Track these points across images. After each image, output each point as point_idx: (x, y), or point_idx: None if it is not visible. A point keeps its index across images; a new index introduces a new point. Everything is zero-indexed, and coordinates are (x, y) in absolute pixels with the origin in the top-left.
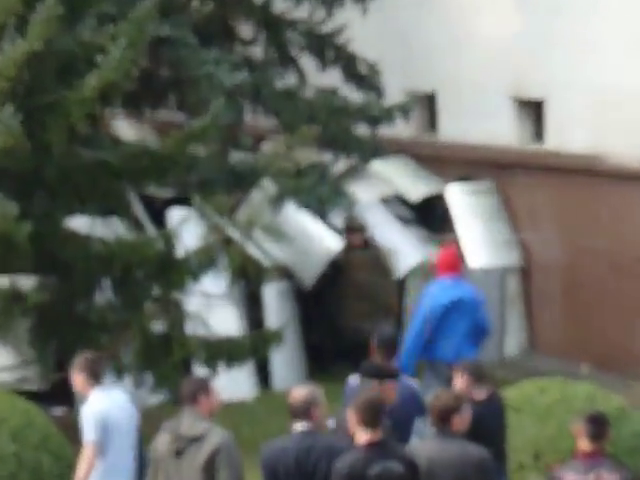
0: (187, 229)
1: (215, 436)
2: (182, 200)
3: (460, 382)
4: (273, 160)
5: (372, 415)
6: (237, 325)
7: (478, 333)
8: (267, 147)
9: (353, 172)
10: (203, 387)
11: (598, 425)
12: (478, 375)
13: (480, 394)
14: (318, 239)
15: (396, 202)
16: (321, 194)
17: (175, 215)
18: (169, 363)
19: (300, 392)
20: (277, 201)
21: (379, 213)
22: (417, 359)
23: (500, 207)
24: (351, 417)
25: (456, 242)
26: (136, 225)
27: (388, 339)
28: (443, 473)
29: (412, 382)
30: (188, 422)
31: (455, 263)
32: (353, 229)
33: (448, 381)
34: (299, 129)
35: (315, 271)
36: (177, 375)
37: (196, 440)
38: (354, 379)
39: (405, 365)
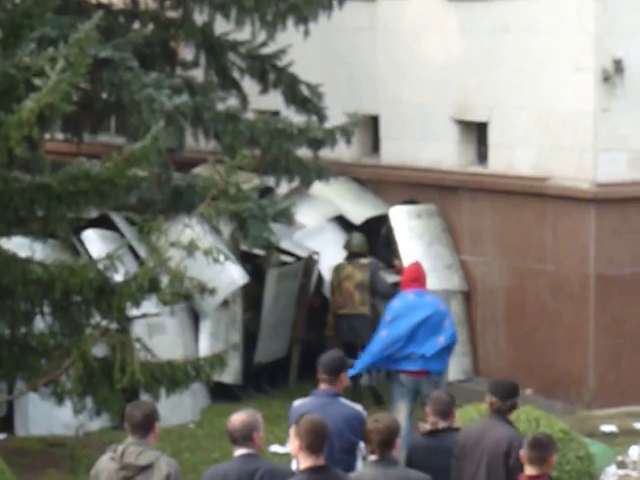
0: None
1: (164, 465)
2: (99, 220)
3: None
4: (212, 182)
5: (315, 440)
6: (182, 349)
7: (444, 348)
8: (205, 170)
9: (295, 194)
10: (156, 414)
11: (541, 449)
12: (444, 411)
13: (425, 427)
14: (226, 269)
15: (338, 224)
16: (262, 214)
17: (91, 236)
18: (110, 388)
19: (240, 417)
20: (215, 223)
21: (325, 235)
22: (370, 367)
23: (443, 230)
24: (293, 442)
25: (400, 265)
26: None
27: (331, 365)
28: None
29: (357, 406)
30: (136, 450)
31: (415, 277)
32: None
33: (414, 393)
34: (240, 152)
35: (215, 302)
36: (118, 400)
37: (145, 469)
38: (299, 402)
39: (358, 370)
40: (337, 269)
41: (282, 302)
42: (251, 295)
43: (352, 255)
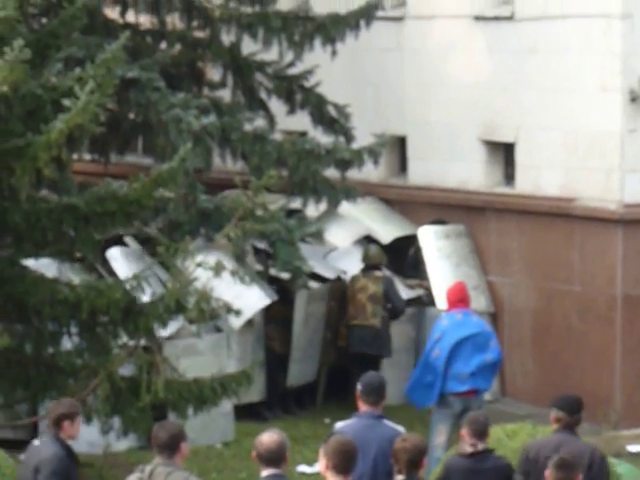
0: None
1: None
2: (118, 239)
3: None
4: (239, 203)
5: (343, 461)
6: (216, 369)
7: (490, 365)
8: (233, 192)
9: (325, 216)
10: (182, 434)
11: (567, 470)
12: (481, 432)
13: (467, 448)
14: (251, 289)
15: (367, 244)
16: (290, 237)
17: (115, 255)
18: (137, 408)
19: (273, 437)
20: (242, 244)
21: (353, 256)
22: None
23: (471, 251)
24: (322, 461)
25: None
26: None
27: (374, 387)
28: None
29: (399, 427)
30: (164, 470)
31: (462, 297)
32: None
33: (459, 415)
34: (267, 172)
35: (240, 321)
36: (145, 420)
37: None
38: (341, 424)
39: (412, 398)
40: (352, 280)
41: (311, 324)
42: (278, 316)
43: (368, 267)
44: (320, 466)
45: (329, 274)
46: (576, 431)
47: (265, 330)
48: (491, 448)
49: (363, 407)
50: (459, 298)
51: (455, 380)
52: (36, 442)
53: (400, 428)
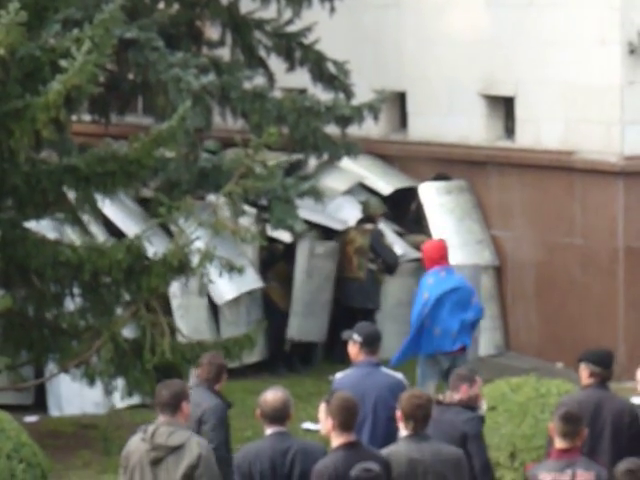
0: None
1: (195, 446)
2: None
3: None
4: (239, 161)
5: (347, 417)
6: (207, 333)
7: (474, 321)
8: (234, 150)
9: (322, 168)
10: (185, 394)
11: (572, 423)
12: (455, 386)
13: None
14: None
15: (367, 193)
16: (286, 195)
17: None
18: (141, 369)
19: (278, 396)
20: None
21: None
22: (413, 353)
23: (474, 206)
24: (326, 421)
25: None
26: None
27: (371, 336)
28: (425, 473)
29: (398, 374)
30: (167, 430)
31: (444, 254)
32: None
33: (445, 372)
34: (267, 130)
35: (226, 297)
36: (149, 380)
37: (176, 449)
38: (340, 374)
39: (399, 359)
40: (343, 233)
41: (316, 280)
42: (282, 274)
43: (365, 219)
44: (324, 425)
45: (335, 225)
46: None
47: (268, 288)
48: (469, 404)
49: (360, 356)
50: (441, 255)
51: (444, 338)
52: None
53: (398, 375)
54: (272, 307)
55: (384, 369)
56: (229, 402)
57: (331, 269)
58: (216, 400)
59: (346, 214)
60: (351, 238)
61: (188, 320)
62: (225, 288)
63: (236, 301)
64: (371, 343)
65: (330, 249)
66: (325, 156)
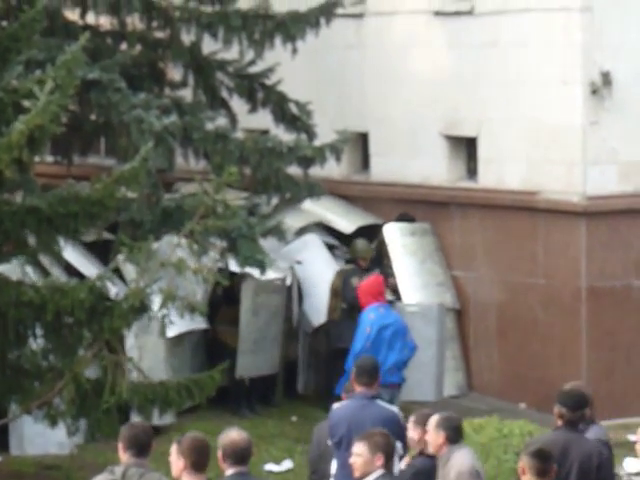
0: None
1: None
2: None
3: (434, 438)
4: (200, 201)
5: (198, 459)
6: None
7: (408, 360)
8: (192, 188)
9: (282, 207)
10: (152, 435)
11: (544, 460)
12: (456, 434)
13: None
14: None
15: (326, 232)
16: (252, 232)
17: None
18: (103, 409)
19: (242, 436)
20: (204, 240)
21: (317, 250)
22: None
23: (436, 248)
24: (177, 462)
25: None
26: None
27: (364, 368)
28: None
29: (393, 407)
30: (137, 472)
31: (382, 290)
32: None
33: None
34: (227, 169)
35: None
36: (112, 421)
37: None
38: (337, 405)
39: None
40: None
41: (262, 317)
42: (226, 317)
43: (351, 260)
44: (175, 467)
45: (283, 265)
46: (578, 428)
47: (217, 331)
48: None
49: (357, 388)
50: (379, 291)
51: (384, 371)
52: None
53: (394, 408)
54: (223, 348)
55: (380, 402)
56: None
57: (279, 303)
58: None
59: (305, 254)
60: (332, 280)
61: (144, 360)
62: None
63: (180, 343)
64: (364, 375)
65: (275, 286)
66: (287, 197)
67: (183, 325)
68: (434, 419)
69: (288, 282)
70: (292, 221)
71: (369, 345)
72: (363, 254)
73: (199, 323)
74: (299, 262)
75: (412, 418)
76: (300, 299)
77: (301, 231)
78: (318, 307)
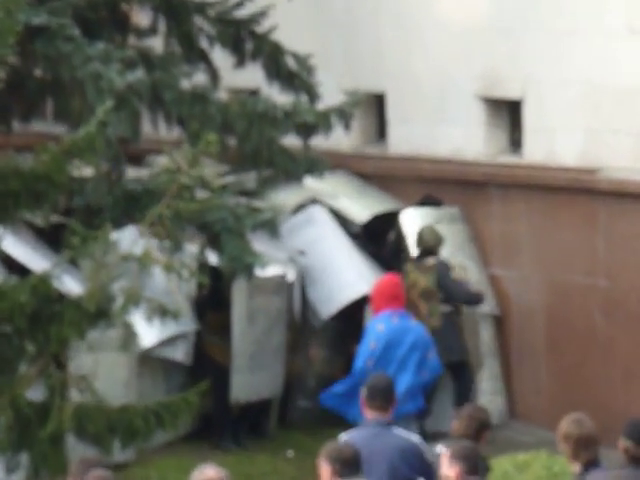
0: None
1: None
2: None
3: (448, 471)
4: (171, 178)
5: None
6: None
7: (429, 383)
8: (164, 162)
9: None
10: (110, 474)
11: None
12: (473, 465)
13: None
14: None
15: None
16: (239, 227)
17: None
18: (48, 440)
19: (218, 473)
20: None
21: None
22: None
23: (469, 239)
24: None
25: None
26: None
27: (377, 389)
28: None
29: (414, 436)
30: None
31: (398, 293)
32: None
33: None
34: (205, 137)
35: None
36: (59, 455)
37: None
38: (346, 435)
39: (324, 400)
40: (404, 275)
41: (260, 325)
42: (214, 325)
43: (423, 253)
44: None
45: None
46: None
47: (203, 343)
48: None
49: (369, 414)
50: (393, 295)
51: (400, 399)
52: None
53: (414, 437)
54: (210, 365)
55: (397, 430)
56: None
57: (280, 307)
58: None
59: (302, 240)
60: (412, 281)
61: (101, 379)
62: (143, 332)
63: (150, 358)
64: (377, 397)
65: (275, 285)
66: (282, 175)
67: (165, 330)
68: (445, 450)
69: (291, 278)
70: (286, 197)
71: (371, 365)
72: (430, 243)
73: (186, 325)
74: (302, 253)
75: (447, 451)
76: (304, 295)
77: (298, 209)
78: (329, 295)
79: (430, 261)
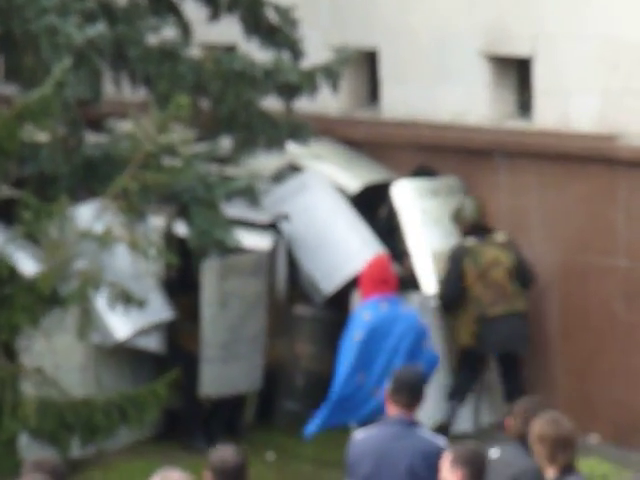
0: None
1: None
2: None
3: (449, 476)
4: (137, 145)
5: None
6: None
7: (426, 375)
8: (127, 127)
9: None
10: (65, 474)
11: None
12: (478, 471)
13: None
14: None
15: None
16: (210, 197)
17: None
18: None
19: (182, 478)
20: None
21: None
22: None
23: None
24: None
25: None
26: None
27: (406, 382)
28: None
29: (440, 439)
30: None
31: (388, 277)
32: None
33: None
34: (175, 99)
35: (121, 331)
36: (11, 455)
37: None
38: (362, 433)
39: (317, 427)
40: (471, 253)
41: (234, 310)
42: (187, 309)
43: (474, 229)
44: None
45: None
46: None
47: (174, 330)
48: None
49: (392, 409)
50: (382, 279)
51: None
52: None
53: (440, 441)
54: (181, 355)
55: (421, 431)
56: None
57: (259, 290)
58: (532, 462)
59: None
60: (494, 258)
61: (59, 371)
62: (116, 322)
63: (117, 354)
64: (403, 392)
65: (253, 262)
66: (262, 141)
67: (140, 319)
68: (448, 454)
69: (270, 247)
70: (265, 162)
71: (353, 359)
72: (478, 218)
73: (161, 313)
74: (285, 217)
75: (449, 455)
76: (292, 270)
77: (278, 175)
78: (331, 267)
79: (501, 237)
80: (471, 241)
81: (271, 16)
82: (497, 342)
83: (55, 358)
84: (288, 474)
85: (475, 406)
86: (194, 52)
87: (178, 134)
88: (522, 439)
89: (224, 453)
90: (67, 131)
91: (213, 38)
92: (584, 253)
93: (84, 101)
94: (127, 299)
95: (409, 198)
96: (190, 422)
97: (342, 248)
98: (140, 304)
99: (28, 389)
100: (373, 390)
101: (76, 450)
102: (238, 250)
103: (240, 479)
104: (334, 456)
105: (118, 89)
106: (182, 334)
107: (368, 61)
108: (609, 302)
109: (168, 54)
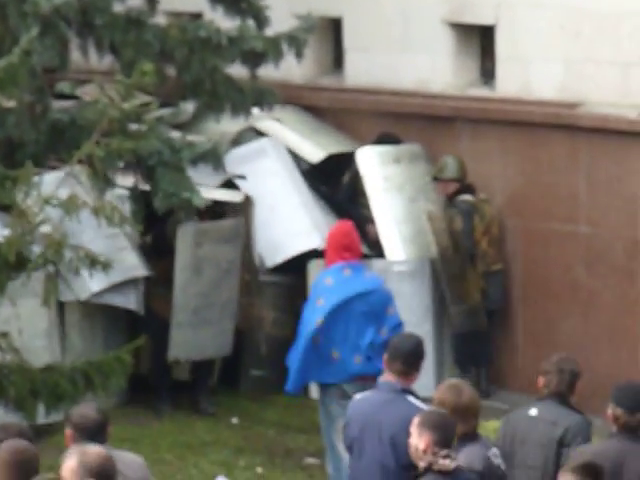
0: None
1: None
2: None
3: (417, 441)
4: (102, 112)
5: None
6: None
7: (387, 340)
8: (92, 92)
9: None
10: (32, 442)
11: (593, 477)
12: (445, 436)
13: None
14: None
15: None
16: (177, 159)
17: None
18: None
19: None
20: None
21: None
22: (309, 379)
23: (433, 180)
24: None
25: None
26: None
27: (402, 350)
28: None
29: (426, 406)
30: None
31: (351, 244)
32: None
33: None
34: (140, 66)
35: (91, 289)
36: None
37: None
38: (359, 396)
39: (293, 388)
40: (477, 209)
41: (208, 276)
42: (163, 274)
43: (463, 187)
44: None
45: (232, 197)
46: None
47: (150, 293)
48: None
49: (386, 376)
50: (344, 245)
51: (348, 364)
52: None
53: (427, 407)
54: (153, 320)
55: (411, 398)
56: (589, 419)
57: (233, 257)
58: (578, 416)
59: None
60: (493, 215)
61: (24, 336)
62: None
63: (89, 318)
64: (399, 359)
65: (228, 230)
66: (227, 108)
67: (115, 275)
68: (416, 418)
69: (241, 197)
70: (227, 125)
71: (320, 324)
72: (463, 174)
73: (136, 270)
74: (242, 177)
75: (417, 419)
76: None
77: (238, 139)
78: (277, 242)
79: (483, 195)
80: (471, 198)
81: None
82: (493, 298)
83: (20, 323)
84: (251, 438)
85: (436, 366)
86: (159, 20)
87: (141, 100)
88: (559, 395)
89: (84, 410)
90: (34, 98)
91: (178, 6)
92: (546, 220)
93: (51, 68)
94: (92, 262)
95: (372, 165)
96: (158, 386)
97: (291, 225)
98: (104, 267)
99: None
100: (332, 353)
101: (42, 417)
102: (214, 206)
103: (100, 435)
104: (297, 421)
105: (84, 56)
106: (156, 299)
107: (332, 29)
108: (570, 268)
109: (134, 22)
